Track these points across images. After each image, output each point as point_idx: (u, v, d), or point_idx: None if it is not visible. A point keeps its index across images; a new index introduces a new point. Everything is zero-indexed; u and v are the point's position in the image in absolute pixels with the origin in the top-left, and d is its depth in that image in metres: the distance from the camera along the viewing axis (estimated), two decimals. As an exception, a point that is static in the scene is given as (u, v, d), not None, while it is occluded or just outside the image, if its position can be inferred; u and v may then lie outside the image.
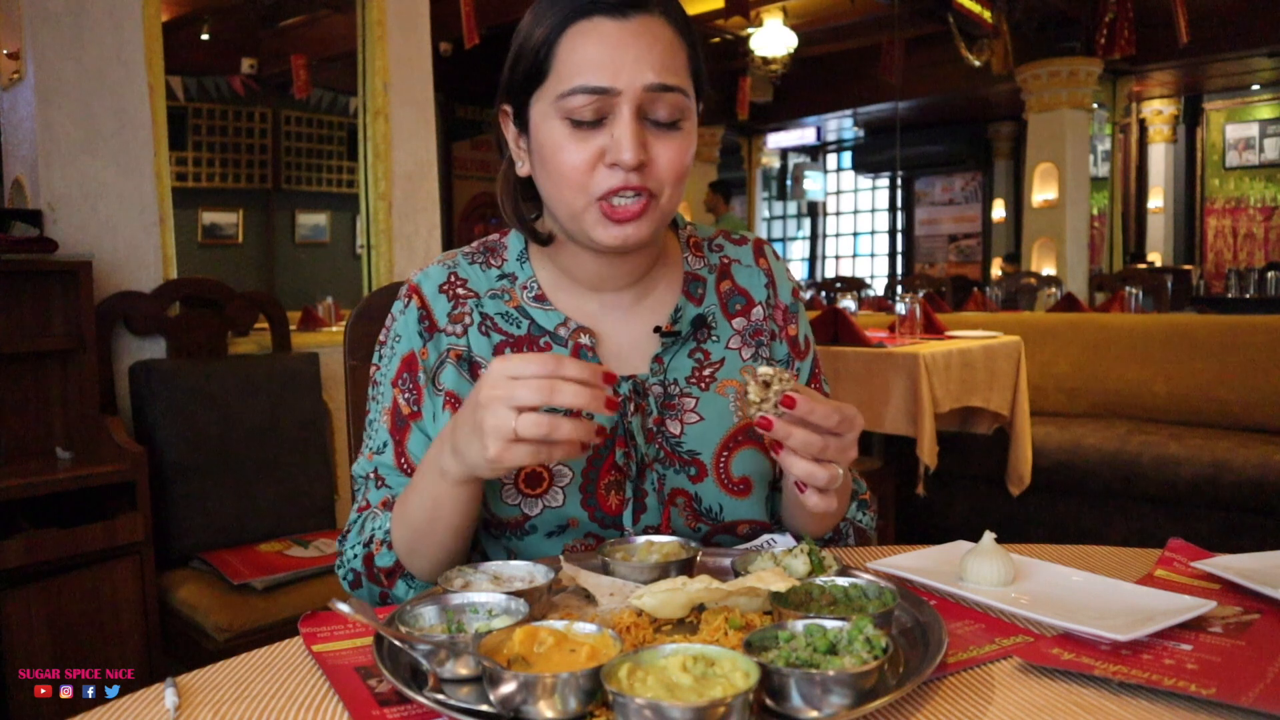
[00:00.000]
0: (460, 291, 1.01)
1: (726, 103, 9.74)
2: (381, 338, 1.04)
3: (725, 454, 0.99)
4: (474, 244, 1.07)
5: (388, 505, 0.95)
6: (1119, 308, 5.54)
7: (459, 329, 1.00)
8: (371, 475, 0.98)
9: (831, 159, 14.98)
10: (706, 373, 1.02)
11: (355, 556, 0.93)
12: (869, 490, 1.10)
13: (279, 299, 2.72)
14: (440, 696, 0.62)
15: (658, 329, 1.01)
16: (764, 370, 0.78)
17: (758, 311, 1.07)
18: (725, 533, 1.01)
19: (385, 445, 0.98)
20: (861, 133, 13.08)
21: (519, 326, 1.00)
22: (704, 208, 8.15)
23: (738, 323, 1.06)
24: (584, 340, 0.99)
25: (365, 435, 1.01)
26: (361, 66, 3.03)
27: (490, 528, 0.99)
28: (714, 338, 1.04)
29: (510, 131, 0.99)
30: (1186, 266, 10.43)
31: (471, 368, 0.99)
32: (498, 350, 0.99)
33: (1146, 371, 3.65)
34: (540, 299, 1.01)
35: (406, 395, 0.99)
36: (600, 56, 0.88)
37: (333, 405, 2.71)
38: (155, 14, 2.46)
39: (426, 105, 3.15)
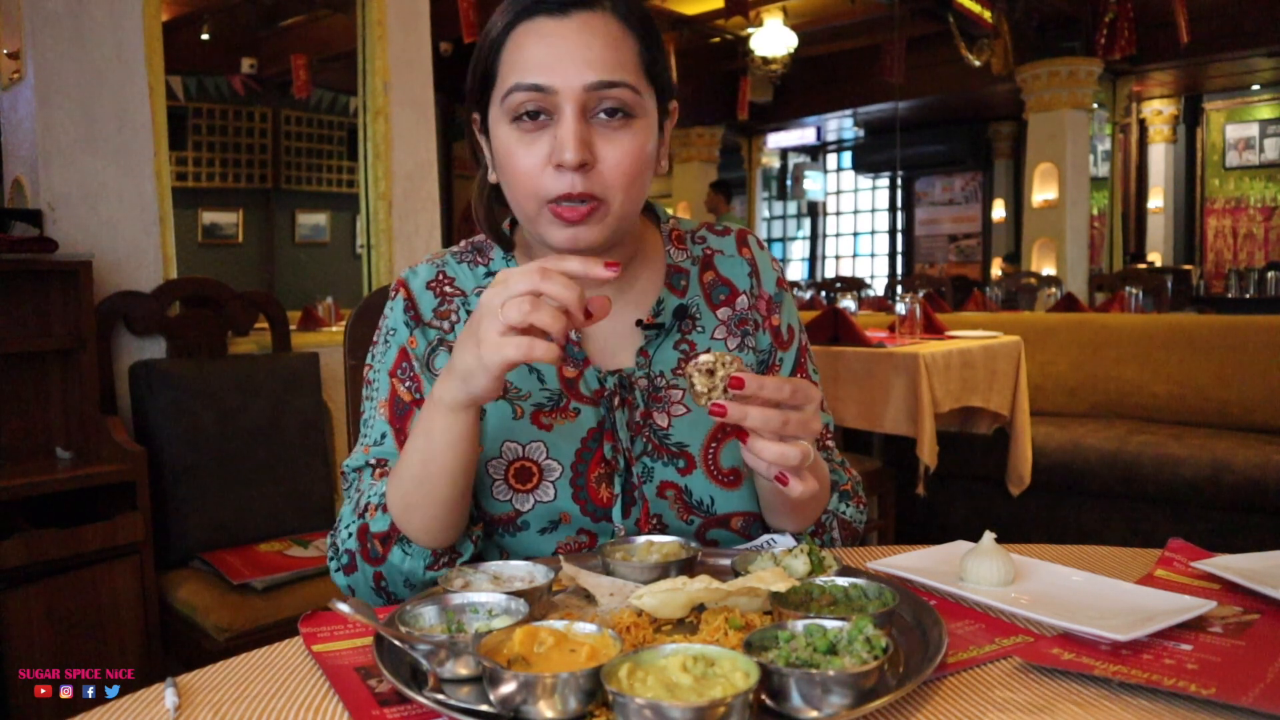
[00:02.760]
0: (448, 290, 1.03)
1: (726, 103, 9.75)
2: (374, 337, 1.05)
3: (714, 445, 0.99)
4: (462, 243, 1.08)
5: (385, 476, 0.93)
6: (1119, 308, 5.54)
7: (445, 325, 1.01)
8: (371, 464, 0.97)
9: (831, 159, 14.99)
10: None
11: (350, 536, 0.91)
12: (852, 483, 1.07)
13: (279, 299, 2.72)
14: (440, 696, 0.62)
15: (639, 322, 1.01)
16: (704, 358, 0.77)
17: (742, 301, 1.07)
18: (718, 526, 1.01)
19: (384, 436, 0.98)
20: (861, 133, 13.09)
21: None
22: (705, 208, 8.16)
23: (722, 313, 1.06)
24: (570, 335, 0.99)
25: (360, 434, 1.02)
26: (361, 66, 3.03)
27: (483, 525, 0.99)
28: (699, 328, 1.04)
29: (480, 139, 1.00)
30: (1186, 266, 10.43)
31: None
32: None
33: (1146, 371, 3.65)
34: None
35: (407, 384, 0.99)
36: (538, 55, 0.88)
37: (333, 405, 2.70)
38: (155, 14, 2.46)
39: (426, 105, 3.15)
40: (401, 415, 0.98)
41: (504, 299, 0.74)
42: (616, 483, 0.97)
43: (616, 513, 0.97)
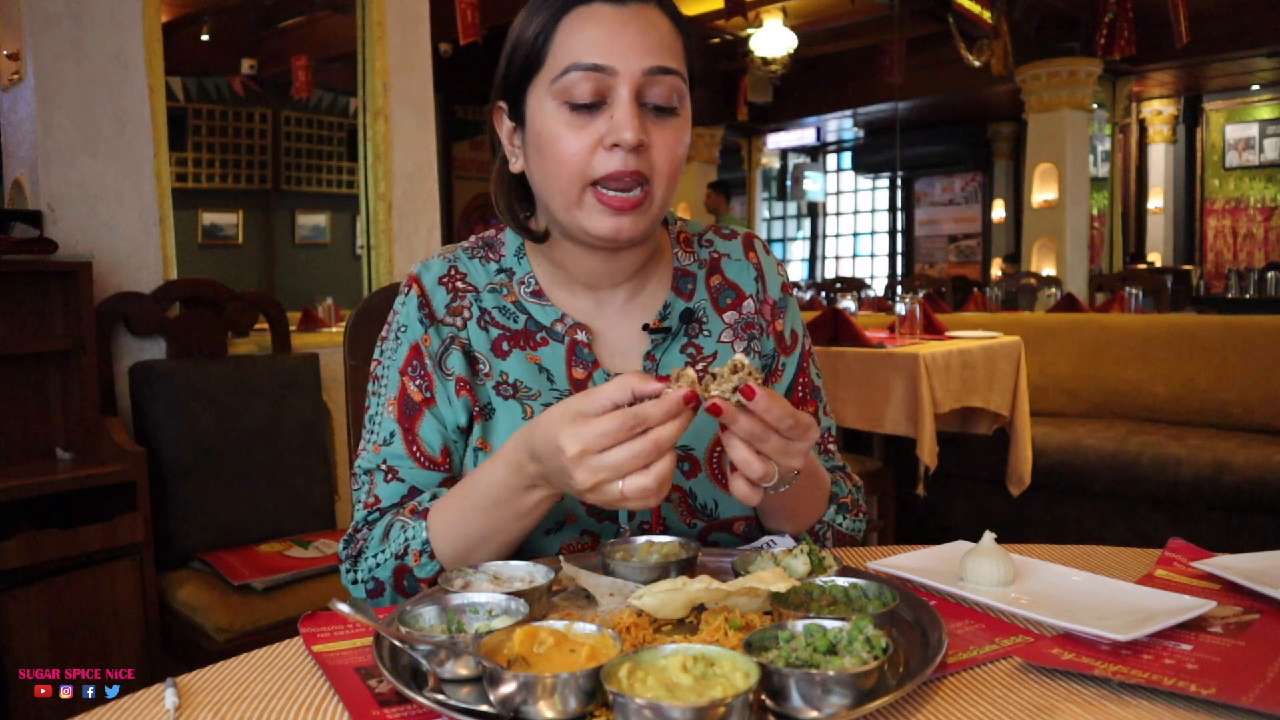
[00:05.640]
0: (459, 285, 1.02)
1: (726, 103, 9.74)
2: (384, 332, 1.04)
3: (718, 449, 0.99)
4: (473, 239, 1.08)
5: (416, 513, 0.91)
6: (1119, 308, 5.53)
7: (458, 321, 1.00)
8: (381, 468, 0.97)
9: (831, 159, 14.98)
10: (699, 368, 1.02)
11: (379, 565, 0.91)
12: (852, 494, 1.07)
13: (279, 299, 2.72)
14: (440, 697, 0.62)
15: (646, 326, 1.01)
16: (737, 358, 0.77)
17: (748, 305, 1.08)
18: (721, 529, 1.01)
19: (393, 435, 0.97)
20: (861, 133, 13.08)
21: (516, 321, 1.01)
22: (705, 208, 8.16)
23: (729, 316, 1.06)
24: (580, 337, 0.99)
25: (365, 431, 1.01)
26: (361, 67, 3.03)
27: None
28: (705, 332, 1.04)
29: (505, 128, 0.99)
30: (1186, 267, 10.43)
31: (471, 362, 0.99)
32: (495, 345, 0.99)
33: (1146, 371, 3.65)
34: (537, 294, 1.01)
35: (418, 382, 0.98)
36: (598, 38, 0.89)
37: (333, 406, 2.70)
38: (155, 14, 2.46)
39: (426, 105, 3.15)
40: (410, 414, 0.97)
41: (619, 473, 0.73)
42: None
43: (622, 514, 0.97)
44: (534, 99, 0.93)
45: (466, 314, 1.00)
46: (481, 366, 0.99)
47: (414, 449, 0.97)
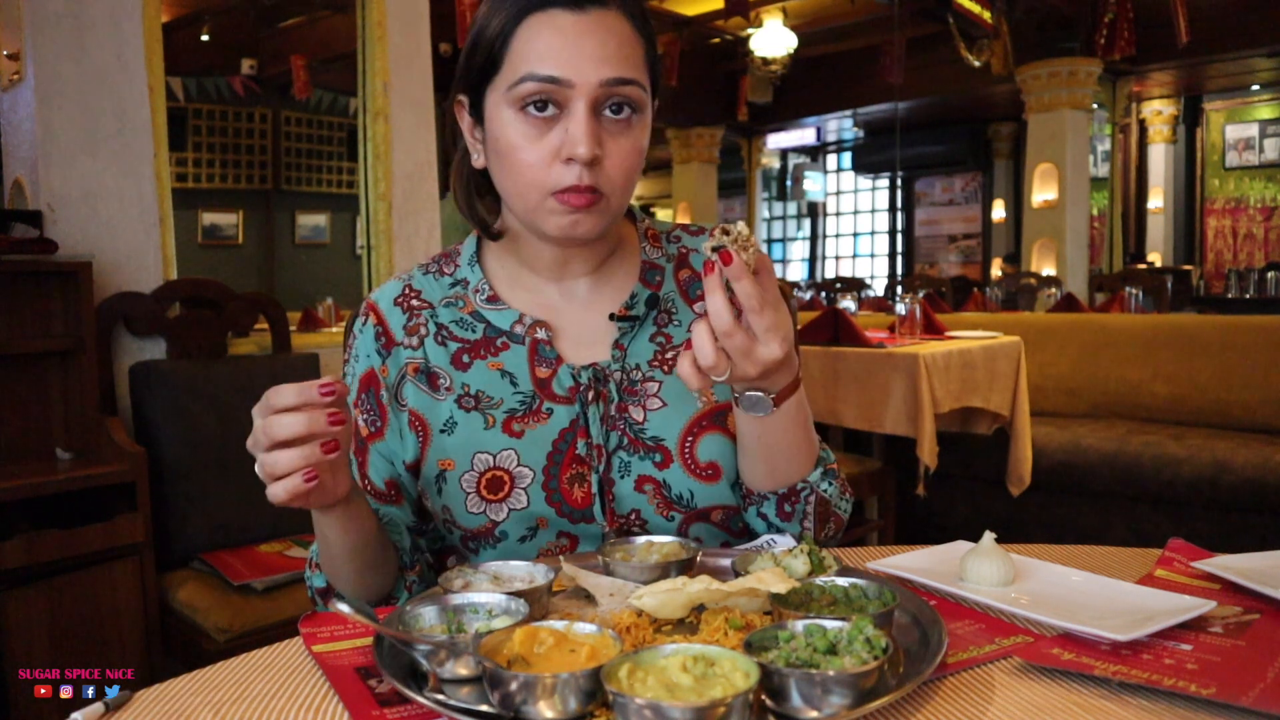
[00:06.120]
0: (415, 303, 1.02)
1: (726, 103, 9.75)
2: (344, 355, 1.05)
3: (690, 439, 0.98)
4: (431, 257, 1.08)
5: None
6: (1119, 308, 5.54)
7: (415, 340, 1.00)
8: None
9: (831, 159, 14.99)
10: (669, 356, 1.01)
11: (308, 576, 0.98)
12: (836, 465, 1.04)
13: (279, 299, 2.72)
14: (440, 697, 0.62)
15: (612, 315, 1.01)
16: (740, 227, 0.77)
17: None
18: (699, 519, 0.99)
19: (351, 461, 0.99)
20: (861, 133, 13.09)
21: (474, 331, 1.00)
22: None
23: (699, 307, 1.05)
24: (540, 334, 0.99)
25: None
26: (361, 67, 3.03)
27: (465, 540, 0.99)
28: (675, 322, 1.04)
29: (465, 122, 0.99)
30: (1186, 267, 10.44)
31: (430, 379, 0.99)
32: (455, 358, 0.99)
33: (1146, 371, 3.65)
34: (493, 300, 1.01)
35: (366, 416, 0.99)
36: (554, 48, 0.88)
37: (333, 406, 2.70)
38: (155, 15, 2.46)
39: (426, 105, 3.15)
40: (360, 448, 0.99)
41: (259, 451, 0.76)
42: (594, 481, 0.96)
43: (597, 510, 0.96)
44: (491, 102, 0.93)
45: (423, 330, 1.01)
46: (442, 381, 0.99)
47: (366, 483, 1.00)
